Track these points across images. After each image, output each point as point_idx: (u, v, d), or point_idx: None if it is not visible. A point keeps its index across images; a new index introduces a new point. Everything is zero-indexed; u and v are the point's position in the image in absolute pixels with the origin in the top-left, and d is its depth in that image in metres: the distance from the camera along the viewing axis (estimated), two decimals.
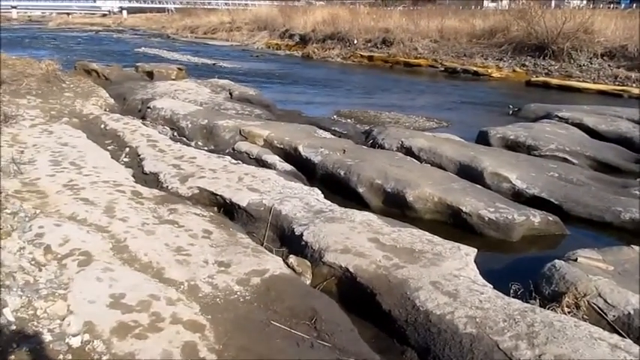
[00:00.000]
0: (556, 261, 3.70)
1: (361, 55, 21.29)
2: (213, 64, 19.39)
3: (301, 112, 9.94)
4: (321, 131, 7.52)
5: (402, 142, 6.86)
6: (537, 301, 3.38)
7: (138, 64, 13.91)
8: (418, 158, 6.44)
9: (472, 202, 4.94)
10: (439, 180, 5.47)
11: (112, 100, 9.59)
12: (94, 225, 4.04)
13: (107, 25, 52.91)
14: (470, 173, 5.86)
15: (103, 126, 7.62)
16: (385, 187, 5.40)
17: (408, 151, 6.64)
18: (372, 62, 20.51)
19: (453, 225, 4.95)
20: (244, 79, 14.78)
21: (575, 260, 3.71)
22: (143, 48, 26.07)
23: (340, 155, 6.21)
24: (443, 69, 17.98)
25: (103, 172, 5.36)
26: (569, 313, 3.19)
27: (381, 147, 7.00)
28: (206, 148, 7.04)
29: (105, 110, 8.86)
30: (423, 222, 4.92)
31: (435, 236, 4.12)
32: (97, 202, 4.48)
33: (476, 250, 3.92)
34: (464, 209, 4.89)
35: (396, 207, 5.27)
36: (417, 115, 10.21)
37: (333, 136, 7.42)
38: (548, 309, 3.17)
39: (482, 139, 7.56)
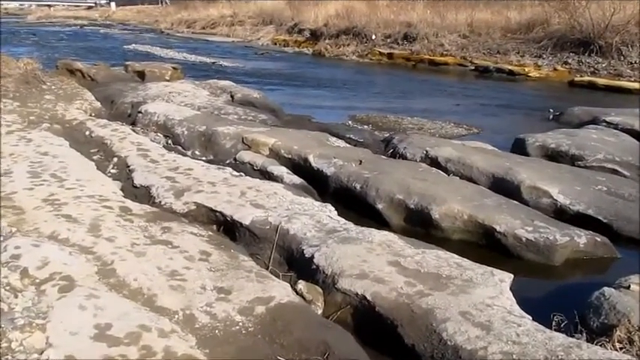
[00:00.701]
0: (605, 289, 3.68)
1: (380, 53, 21.43)
2: (213, 62, 19.62)
3: (312, 117, 10.03)
4: (335, 139, 7.57)
5: (426, 151, 6.89)
6: (584, 335, 3.36)
7: (128, 62, 14.10)
8: (445, 170, 6.46)
9: (507, 221, 4.93)
10: (469, 195, 5.48)
11: (98, 104, 9.70)
12: (77, 245, 4.06)
13: (93, 18, 53.76)
14: (505, 187, 5.87)
15: (88, 133, 7.71)
16: (407, 202, 5.42)
17: (434, 162, 6.67)
18: (392, 60, 20.62)
19: (486, 246, 4.94)
20: (247, 79, 14.93)
21: (628, 288, 3.68)
22: (134, 45, 26.45)
23: (356, 167, 6.25)
24: (473, 68, 18.04)
25: (88, 185, 5.41)
26: (621, 349, 3.15)
27: (403, 157, 7.03)
28: (204, 159, 7.12)
29: (90, 115, 8.95)
30: (450, 243, 4.93)
31: (465, 259, 4.11)
32: (80, 219, 4.52)
33: (512, 275, 3.91)
34: (498, 228, 4.88)
35: (419, 226, 5.28)
36: (443, 120, 10.24)
37: (348, 145, 7.46)
38: (596, 344, 3.14)
39: (519, 147, 7.55)
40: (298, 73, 17.30)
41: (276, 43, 27.64)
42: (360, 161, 6.38)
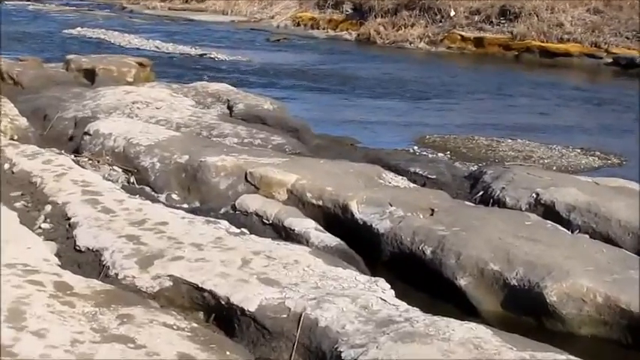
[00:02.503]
0: None
1: (462, 38, 21.66)
2: (201, 55, 20.15)
3: (356, 140, 10.14)
4: (392, 175, 7.60)
5: (537, 194, 6.87)
6: None
7: (70, 56, 14.38)
8: (567, 224, 6.41)
9: None
10: (606, 264, 5.40)
11: (23, 121, 9.73)
12: None
13: None
14: None
15: (7, 167, 7.72)
16: (507, 276, 5.39)
17: (549, 211, 6.63)
18: (483, 49, 20.79)
19: (633, 347, 4.88)
20: (255, 81, 15.26)
21: None
22: (79, 28, 27.05)
23: (425, 219, 6.24)
24: (610, 60, 17.97)
25: (7, 248, 5.40)
26: None
27: (500, 203, 7.03)
28: (186, 206, 7.16)
29: (11, 139, 8.96)
30: (577, 341, 4.87)
31: None
32: None
33: None
34: None
35: (526, 313, 5.25)
36: (563, 144, 10.25)
37: (412, 185, 7.46)
38: None
39: None
40: (334, 70, 17.69)
41: (299, 24, 28.12)
42: (432, 211, 6.37)
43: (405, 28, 23.03)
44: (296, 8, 29.72)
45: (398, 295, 5.05)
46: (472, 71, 17.58)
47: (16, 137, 9.13)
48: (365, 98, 14.38)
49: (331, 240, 6.21)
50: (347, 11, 26.55)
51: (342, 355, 4.23)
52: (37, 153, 8.18)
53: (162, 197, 7.47)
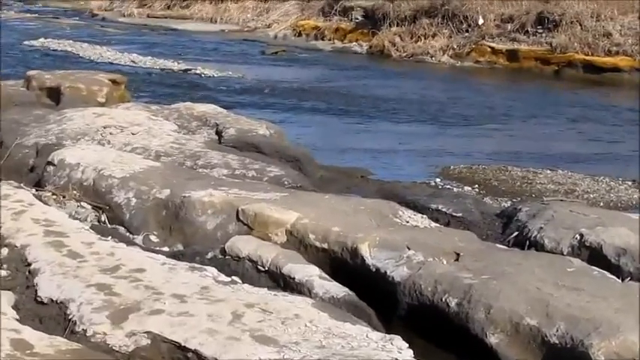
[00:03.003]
0: None
1: (493, 50, 21.74)
2: (185, 71, 20.34)
3: (367, 171, 10.23)
4: (410, 213, 7.60)
5: (580, 235, 6.86)
6: None
7: (31, 72, 14.34)
8: (617, 270, 6.39)
9: None
10: None
11: None
12: None
13: None
14: None
15: None
16: (546, 332, 5.35)
17: (595, 256, 6.62)
18: (517, 63, 20.86)
19: None
20: (248, 102, 15.48)
21: None
22: (43, 39, 27.13)
23: (449, 265, 6.24)
24: None
25: None
26: None
27: (537, 246, 7.01)
28: (167, 250, 7.17)
29: None
30: None
31: None
32: None
33: None
34: None
35: None
36: (612, 176, 10.28)
37: (433, 224, 7.45)
38: None
39: None
40: (342, 89, 17.86)
41: (300, 34, 28.22)
42: (458, 255, 6.36)
43: (425, 38, 23.07)
44: (297, 15, 29.77)
45: (417, 356, 5.00)
46: (504, 90, 17.59)
47: None
48: (378, 122, 14.54)
49: (338, 290, 6.16)
50: (357, 19, 26.62)
51: None
52: None
53: (139, 239, 7.48)
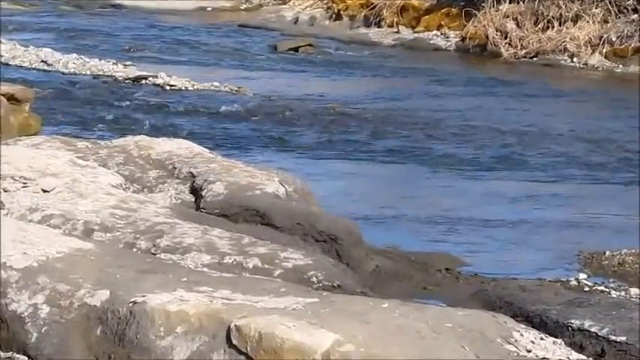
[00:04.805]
0: None
1: None
2: (137, 78, 17.45)
3: (456, 258, 8.67)
4: (531, 335, 6.27)
5: None
6: None
7: None
8: None
9: None
10: None
11: None
12: None
13: None
14: None
15: None
16: None
17: None
18: None
19: None
20: (247, 135, 13.57)
21: None
22: None
23: None
24: None
25: None
26: None
27: None
28: None
29: None
30: None
31: None
32: None
33: None
34: None
35: None
36: None
37: (574, 355, 6.09)
38: None
39: None
40: (413, 114, 15.52)
41: (339, 15, 24.44)
42: None
43: (559, 24, 19.52)
44: None
45: None
46: None
47: None
48: (477, 173, 12.37)
49: None
50: None
51: None
52: None
53: None
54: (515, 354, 5.69)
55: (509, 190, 11.74)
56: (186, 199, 8.79)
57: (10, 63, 17.53)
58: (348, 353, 5.20)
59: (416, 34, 21.75)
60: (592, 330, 6.63)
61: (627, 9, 19.13)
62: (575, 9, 19.50)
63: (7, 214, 8.04)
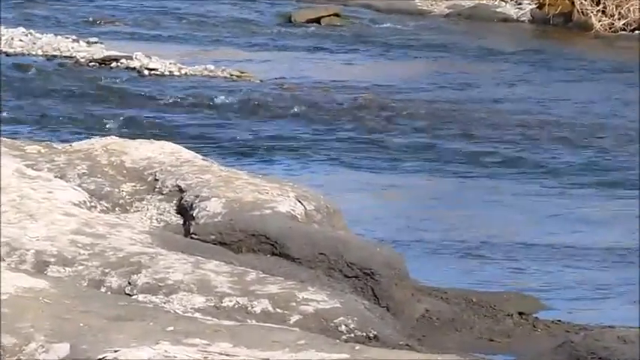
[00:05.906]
0: None
1: None
2: (105, 60, 15.86)
3: (532, 299, 7.88)
4: None
5: None
6: None
7: None
8: None
9: None
10: None
11: None
12: None
13: None
14: None
15: None
16: None
17: None
18: None
19: None
20: (251, 137, 12.32)
21: None
22: None
23: None
24: None
25: None
26: None
27: None
28: None
29: None
30: None
31: None
32: None
33: None
34: None
35: None
36: None
37: None
38: None
39: None
40: (474, 106, 14.23)
41: None
42: None
43: None
44: None
45: None
46: None
47: None
48: (555, 183, 11.29)
49: None
50: None
51: None
52: None
53: None
54: None
55: (604, 211, 10.56)
56: (172, 221, 7.96)
57: None
58: None
59: (477, 0, 19.95)
60: None
61: None
62: None
63: None
